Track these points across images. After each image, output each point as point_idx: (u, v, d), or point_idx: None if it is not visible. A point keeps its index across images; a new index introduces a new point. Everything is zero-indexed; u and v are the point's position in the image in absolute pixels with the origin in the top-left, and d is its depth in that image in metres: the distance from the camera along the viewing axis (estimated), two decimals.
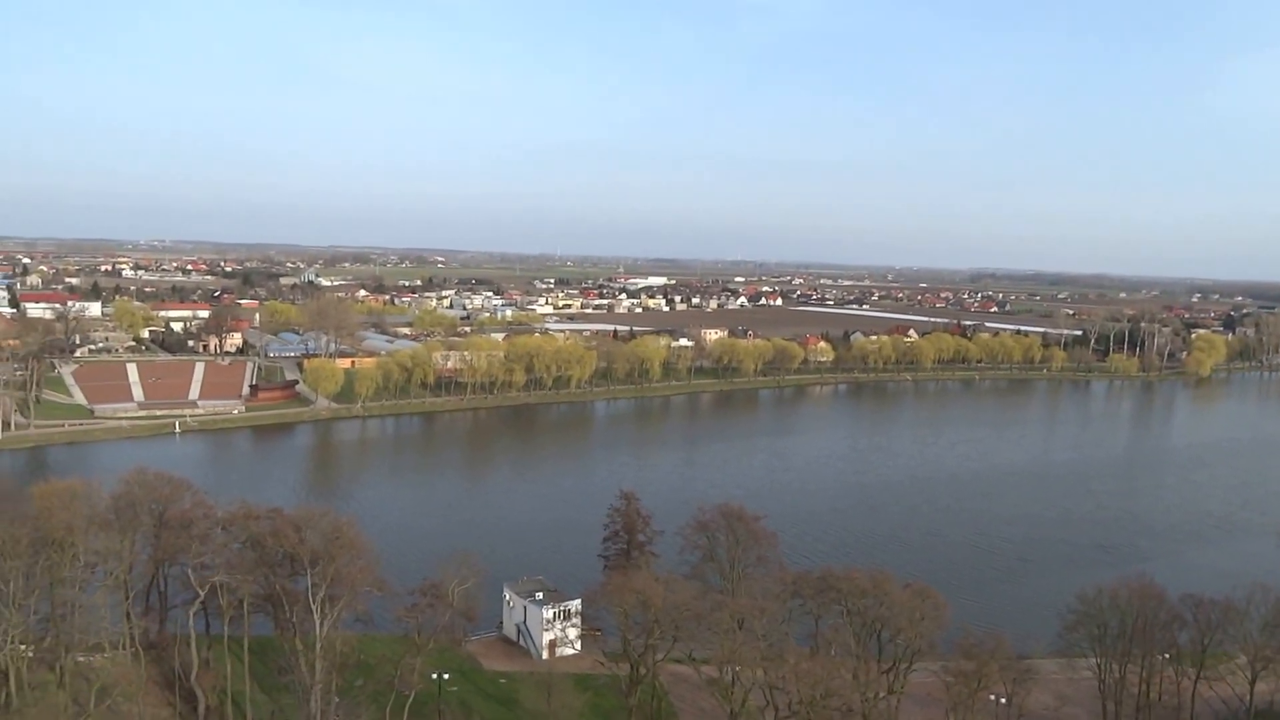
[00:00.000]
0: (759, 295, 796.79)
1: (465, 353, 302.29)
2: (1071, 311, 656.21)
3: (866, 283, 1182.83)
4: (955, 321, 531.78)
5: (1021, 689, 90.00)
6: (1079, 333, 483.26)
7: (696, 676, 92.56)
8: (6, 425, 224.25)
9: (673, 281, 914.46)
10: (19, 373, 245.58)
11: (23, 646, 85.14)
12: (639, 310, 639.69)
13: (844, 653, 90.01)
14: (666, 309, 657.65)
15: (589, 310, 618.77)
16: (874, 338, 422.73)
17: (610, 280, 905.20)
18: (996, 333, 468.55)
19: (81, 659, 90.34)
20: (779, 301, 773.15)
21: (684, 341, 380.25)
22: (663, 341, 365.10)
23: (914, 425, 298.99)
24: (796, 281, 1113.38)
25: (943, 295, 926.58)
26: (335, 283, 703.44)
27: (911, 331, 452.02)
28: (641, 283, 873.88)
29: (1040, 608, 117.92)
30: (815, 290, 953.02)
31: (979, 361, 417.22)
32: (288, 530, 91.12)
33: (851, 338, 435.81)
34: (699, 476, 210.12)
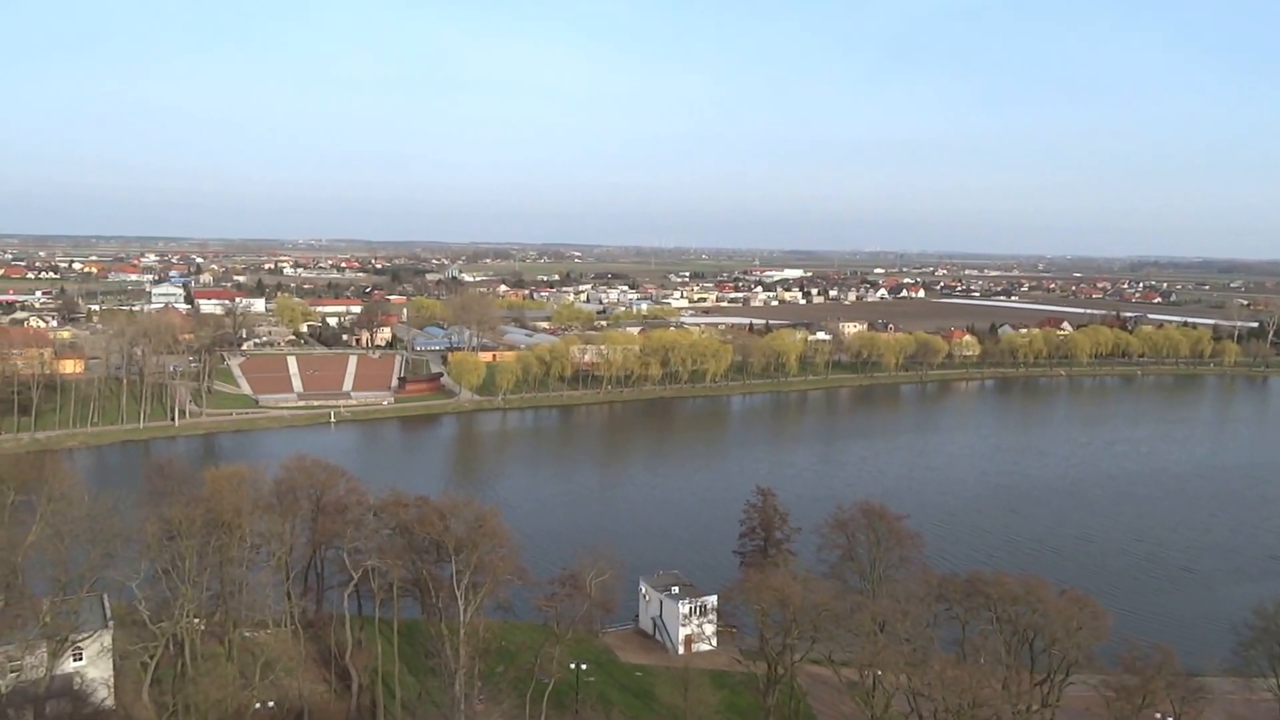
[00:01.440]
0: (900, 287, 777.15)
1: (602, 346, 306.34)
2: (1246, 302, 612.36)
3: (1015, 273, 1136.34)
4: (1114, 313, 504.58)
5: (1191, 709, 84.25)
6: (1255, 324, 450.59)
7: (836, 679, 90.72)
8: (182, 413, 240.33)
9: (809, 274, 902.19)
10: (193, 364, 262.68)
11: (196, 620, 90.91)
12: (775, 303, 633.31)
13: (993, 661, 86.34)
14: (803, 302, 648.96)
15: (724, 304, 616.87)
16: (1024, 331, 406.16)
17: (746, 273, 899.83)
18: (1160, 325, 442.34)
19: (248, 634, 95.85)
20: (921, 293, 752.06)
21: (821, 335, 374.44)
22: (799, 335, 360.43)
23: (1067, 423, 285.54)
24: (940, 272, 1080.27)
25: (1099, 285, 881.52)
26: (477, 278, 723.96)
27: (1065, 324, 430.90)
28: (777, 275, 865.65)
29: (1209, 622, 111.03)
30: (960, 281, 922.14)
31: (1141, 356, 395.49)
32: (434, 518, 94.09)
33: (999, 331, 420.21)
34: (836, 474, 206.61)
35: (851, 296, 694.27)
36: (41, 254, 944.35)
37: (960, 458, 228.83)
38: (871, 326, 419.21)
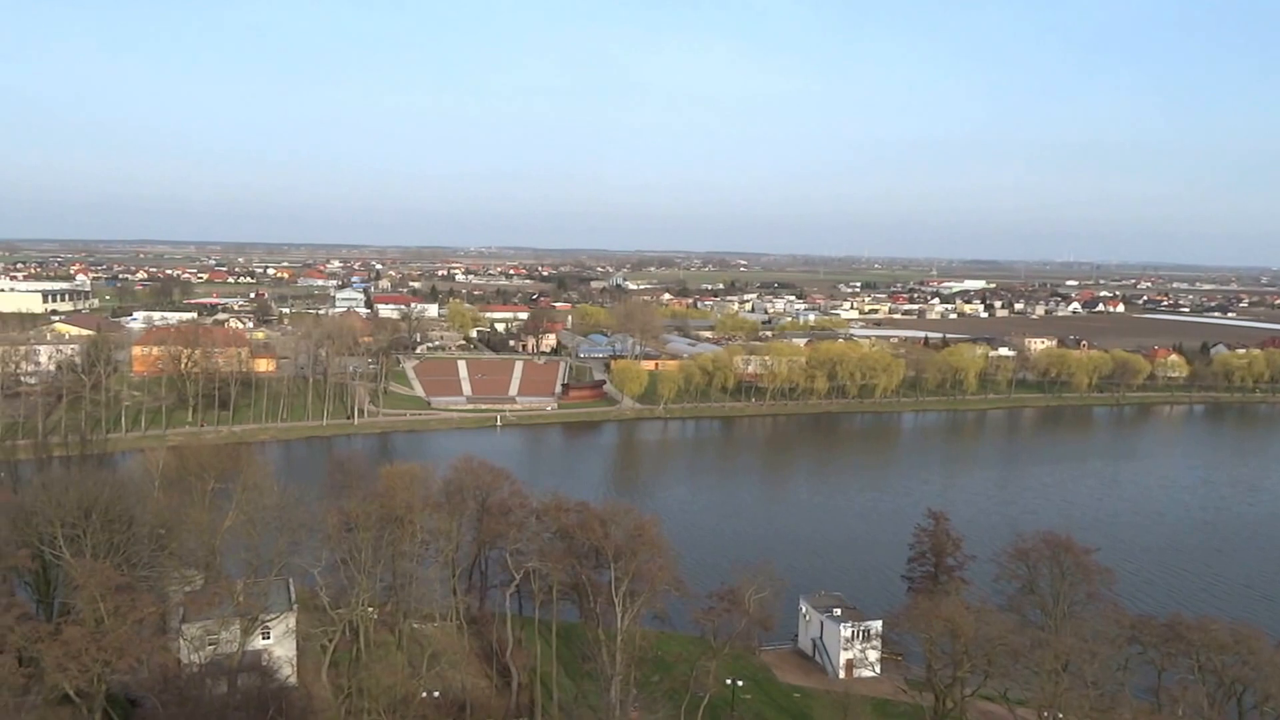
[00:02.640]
0: (1095, 300, 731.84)
1: (766, 357, 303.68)
2: None
3: (1233, 286, 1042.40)
4: None
5: None
6: None
7: (1011, 718, 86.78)
8: (361, 412, 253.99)
9: (992, 285, 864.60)
10: (372, 366, 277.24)
11: (370, 609, 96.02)
12: (953, 316, 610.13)
13: (1193, 714, 79.93)
14: (985, 315, 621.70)
15: (897, 315, 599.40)
16: (1241, 351, 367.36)
17: (921, 284, 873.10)
18: None
19: (416, 625, 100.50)
20: (1120, 308, 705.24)
21: (1004, 351, 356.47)
22: (980, 350, 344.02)
23: None
24: (1142, 285, 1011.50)
25: None
26: (641, 286, 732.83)
27: None
28: (956, 286, 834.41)
29: None
30: (1165, 295, 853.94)
31: None
32: (595, 524, 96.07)
33: (1212, 350, 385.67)
34: (1015, 500, 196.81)
35: (1040, 310, 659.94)
36: (240, 260, 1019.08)
37: (1158, 489, 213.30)
38: (1061, 343, 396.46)
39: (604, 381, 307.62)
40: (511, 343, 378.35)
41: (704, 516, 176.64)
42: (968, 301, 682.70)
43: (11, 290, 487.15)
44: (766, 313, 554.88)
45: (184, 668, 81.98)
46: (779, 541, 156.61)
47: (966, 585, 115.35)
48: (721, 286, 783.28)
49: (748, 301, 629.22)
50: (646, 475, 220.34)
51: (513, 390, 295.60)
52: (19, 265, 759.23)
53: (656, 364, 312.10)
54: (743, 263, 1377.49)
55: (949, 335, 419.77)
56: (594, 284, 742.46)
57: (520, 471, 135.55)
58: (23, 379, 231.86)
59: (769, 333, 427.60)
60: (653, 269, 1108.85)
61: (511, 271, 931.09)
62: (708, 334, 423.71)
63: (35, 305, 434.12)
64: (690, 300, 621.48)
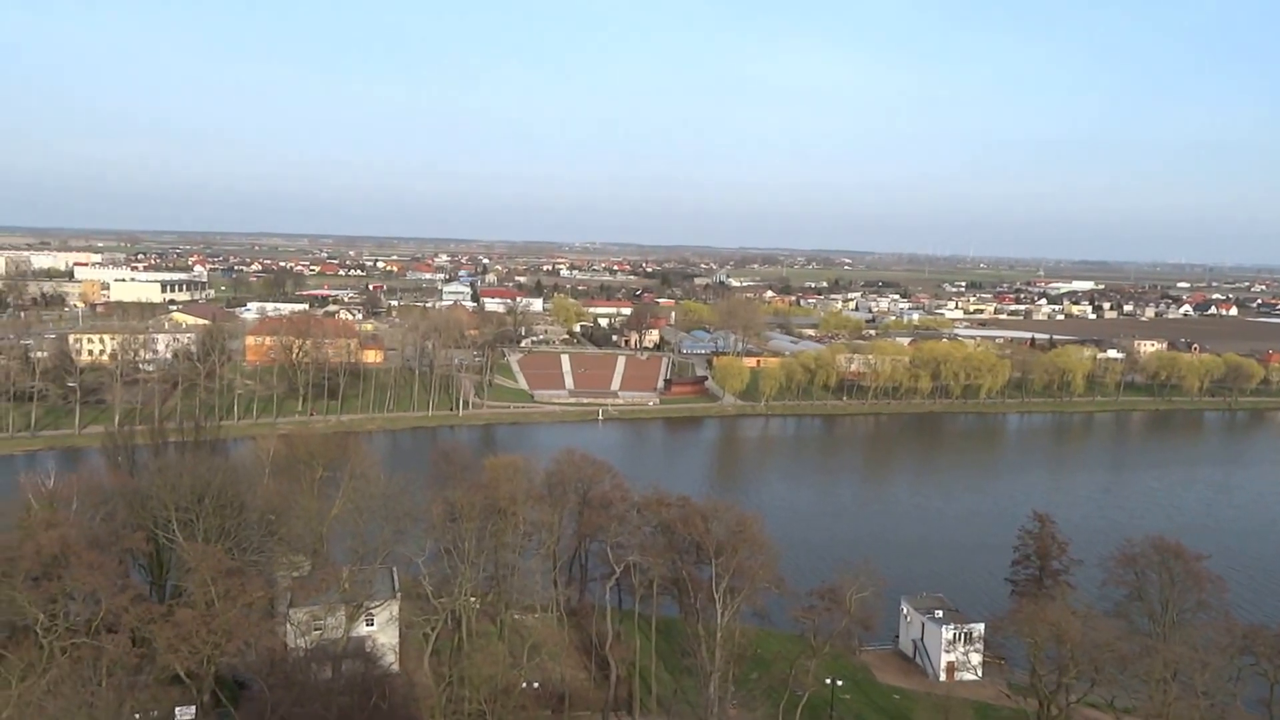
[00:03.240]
0: (1208, 303, 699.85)
1: (869, 356, 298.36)
2: None
3: None
4: None
5: None
6: None
7: None
8: (466, 404, 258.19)
9: (1101, 286, 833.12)
10: (477, 358, 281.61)
11: (473, 599, 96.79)
12: (1060, 317, 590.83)
13: None
14: (1093, 316, 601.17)
15: (1003, 316, 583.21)
16: None
17: (1028, 284, 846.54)
18: None
19: (517, 616, 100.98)
20: (1233, 311, 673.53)
21: (1113, 353, 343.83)
22: (1087, 352, 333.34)
23: None
24: (1256, 288, 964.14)
25: None
26: (744, 283, 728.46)
27: None
28: (1064, 287, 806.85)
29: None
30: None
31: None
32: (696, 519, 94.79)
33: None
34: (1121, 505, 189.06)
35: (1149, 312, 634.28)
36: (351, 253, 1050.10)
37: (1272, 497, 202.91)
38: (1172, 345, 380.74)
39: (706, 377, 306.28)
40: (614, 338, 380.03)
41: (804, 515, 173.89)
42: (1075, 303, 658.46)
43: (132, 280, 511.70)
44: (870, 311, 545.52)
45: (290, 652, 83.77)
46: (879, 542, 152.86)
47: (1072, 590, 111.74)
48: (825, 285, 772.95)
49: (851, 300, 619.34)
50: (747, 472, 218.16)
51: (615, 385, 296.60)
52: (140, 256, 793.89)
53: (758, 361, 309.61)
54: (847, 261, 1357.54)
55: (1056, 336, 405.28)
56: (697, 280, 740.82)
57: (621, 465, 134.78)
58: (141, 366, 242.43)
59: (872, 331, 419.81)
60: (756, 266, 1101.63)
61: (616, 267, 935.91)
62: (810, 332, 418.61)
63: (154, 295, 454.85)
64: (793, 298, 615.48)
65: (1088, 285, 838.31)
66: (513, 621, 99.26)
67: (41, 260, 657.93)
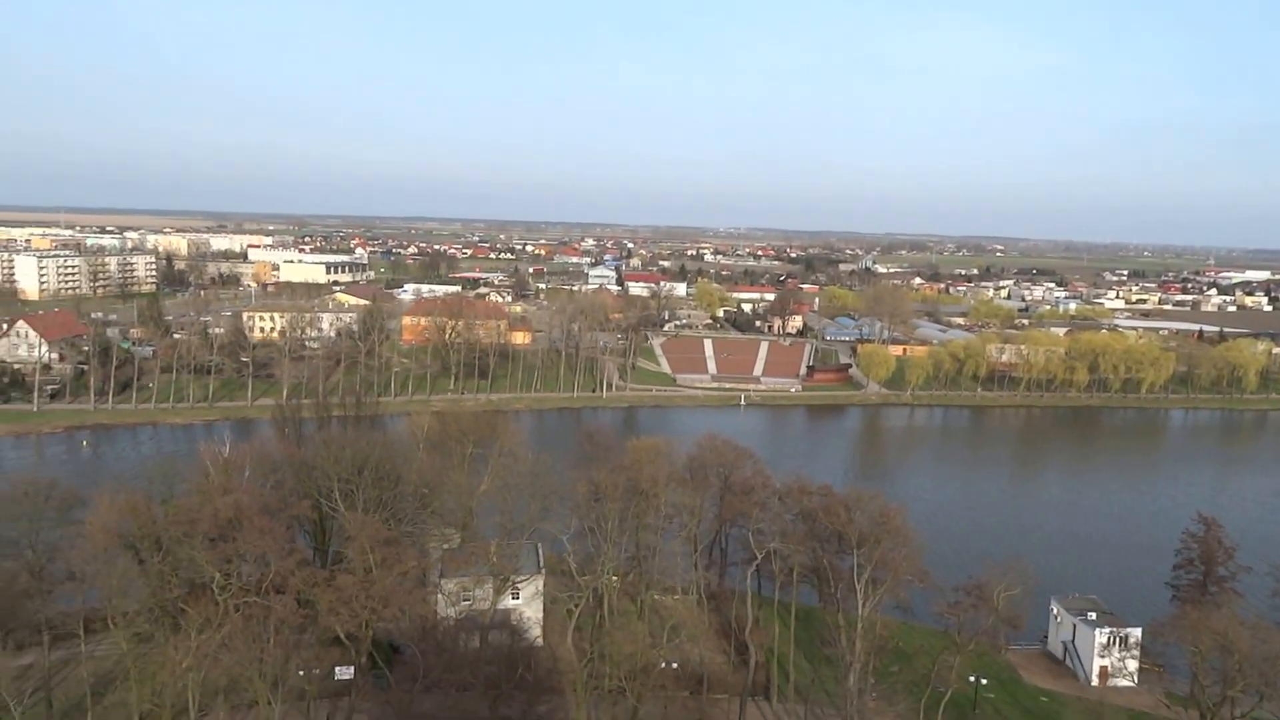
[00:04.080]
0: None
1: (1022, 346, 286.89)
2: None
3: None
4: None
5: None
6: None
7: None
8: (609, 386, 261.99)
9: (1278, 276, 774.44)
10: (621, 341, 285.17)
11: (614, 578, 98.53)
12: (1232, 309, 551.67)
13: None
14: (1269, 308, 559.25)
15: (1168, 307, 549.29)
16: None
17: (1196, 274, 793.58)
18: None
19: (657, 597, 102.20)
20: None
21: None
22: (1261, 346, 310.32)
23: None
24: None
25: None
26: (891, 270, 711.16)
27: None
28: (1237, 277, 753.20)
29: None
30: None
31: None
32: (838, 508, 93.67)
33: None
34: None
35: None
36: (501, 237, 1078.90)
37: None
38: None
39: (850, 365, 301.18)
40: (757, 323, 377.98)
41: (949, 508, 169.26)
42: (1249, 293, 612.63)
43: (300, 262, 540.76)
44: (1024, 300, 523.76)
45: (441, 620, 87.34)
46: (1029, 539, 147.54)
47: (1240, 598, 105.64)
48: (975, 272, 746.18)
49: (1003, 288, 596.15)
50: (890, 462, 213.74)
51: (757, 370, 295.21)
52: (307, 240, 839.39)
53: (905, 349, 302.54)
54: (999, 248, 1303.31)
55: (1226, 329, 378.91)
56: (842, 266, 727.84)
57: (762, 451, 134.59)
58: (307, 344, 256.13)
59: (1025, 321, 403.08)
60: (904, 252, 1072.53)
61: (760, 253, 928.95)
62: (960, 320, 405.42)
63: (319, 276, 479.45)
64: (942, 285, 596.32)
65: (1264, 275, 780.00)
66: (653, 601, 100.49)
67: (219, 243, 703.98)
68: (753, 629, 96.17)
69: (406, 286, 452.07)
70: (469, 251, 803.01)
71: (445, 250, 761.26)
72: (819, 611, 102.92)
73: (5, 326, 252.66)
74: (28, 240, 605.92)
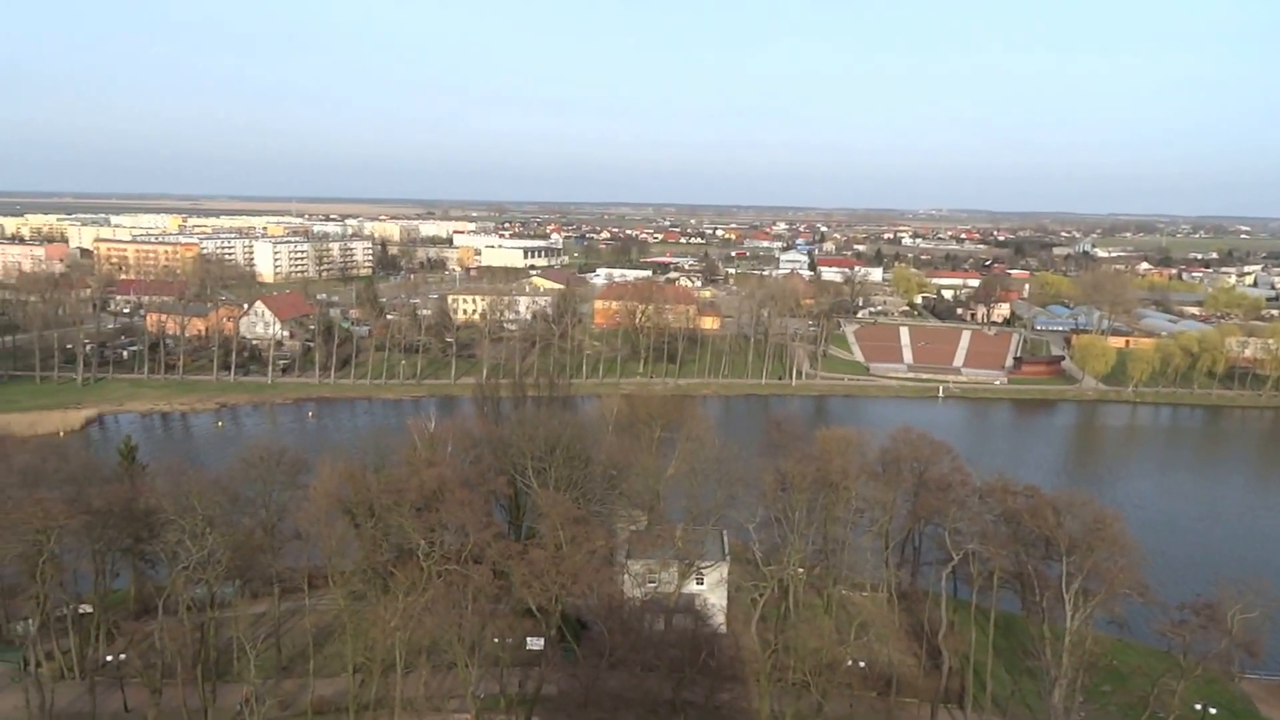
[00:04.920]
0: None
1: (1269, 340, 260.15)
2: None
3: None
4: None
5: None
6: None
7: None
8: (799, 374, 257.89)
9: None
10: (812, 328, 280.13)
11: (800, 570, 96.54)
12: None
13: None
14: None
15: None
16: None
17: None
18: None
19: (845, 592, 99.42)
20: None
21: None
22: None
23: None
24: None
25: None
26: (1113, 254, 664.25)
27: None
28: None
29: None
30: None
31: None
32: (1046, 511, 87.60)
33: None
34: None
35: None
36: (692, 221, 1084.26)
37: None
38: None
39: (1062, 357, 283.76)
40: (959, 311, 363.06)
41: (1174, 518, 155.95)
42: None
43: (500, 247, 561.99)
44: (1274, 288, 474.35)
45: (627, 600, 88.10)
46: (1271, 558, 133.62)
47: None
48: (1215, 256, 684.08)
49: (1248, 274, 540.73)
50: (1106, 464, 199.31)
51: (958, 361, 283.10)
52: (506, 225, 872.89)
53: (1127, 341, 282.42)
54: (1244, 229, 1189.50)
55: None
56: (1056, 250, 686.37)
57: (962, 447, 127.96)
58: (505, 326, 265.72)
59: (1275, 312, 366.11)
60: (1128, 235, 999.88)
61: (963, 235, 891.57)
62: (1194, 310, 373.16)
63: (517, 261, 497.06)
64: (1174, 271, 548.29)
65: None
66: (840, 597, 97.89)
67: (428, 229, 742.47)
68: (947, 633, 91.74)
69: (599, 271, 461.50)
70: (660, 236, 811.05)
71: (637, 235, 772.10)
72: (1021, 620, 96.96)
73: (246, 307, 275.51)
74: (265, 228, 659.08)
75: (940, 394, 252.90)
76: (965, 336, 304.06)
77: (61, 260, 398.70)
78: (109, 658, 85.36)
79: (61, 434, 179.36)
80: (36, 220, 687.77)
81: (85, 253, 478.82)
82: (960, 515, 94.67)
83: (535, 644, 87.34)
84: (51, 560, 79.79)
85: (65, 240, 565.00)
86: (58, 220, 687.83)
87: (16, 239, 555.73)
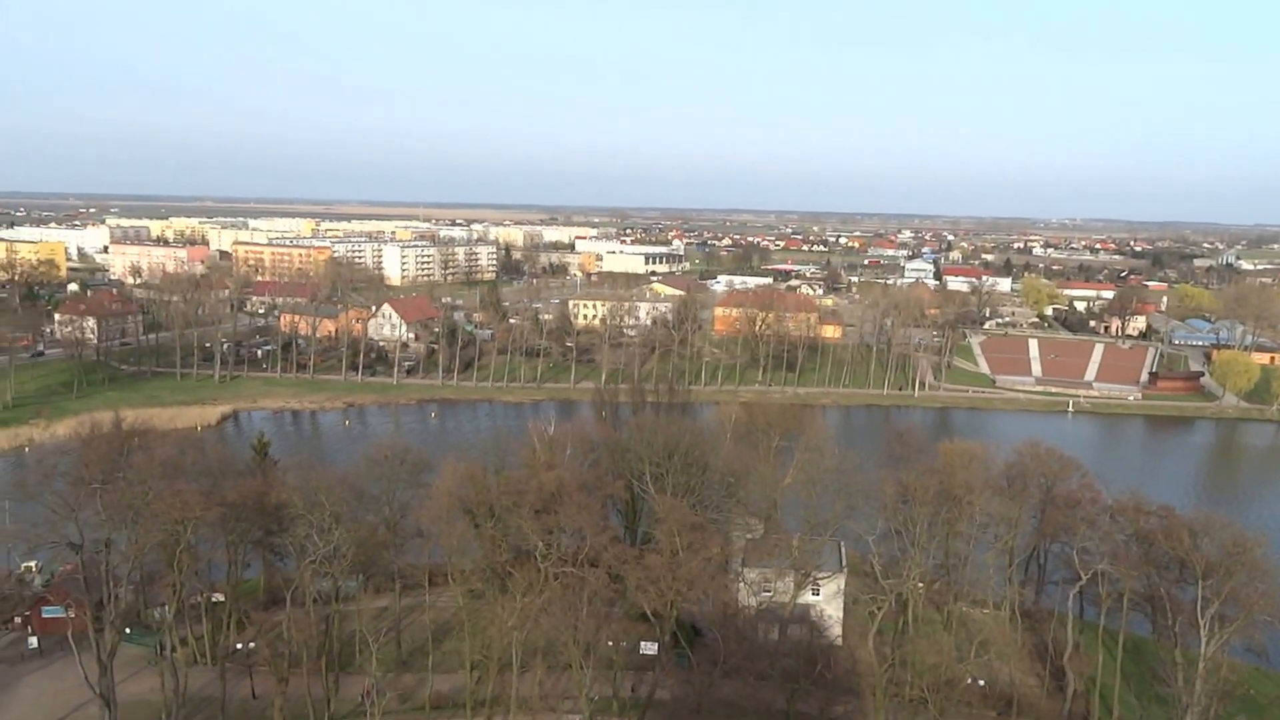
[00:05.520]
0: None
1: None
2: None
3: None
4: None
5: None
6: None
7: None
8: (922, 385, 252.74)
9: None
10: (936, 339, 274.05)
11: (920, 584, 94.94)
12: None
13: None
14: None
15: None
16: None
17: None
18: None
19: (965, 609, 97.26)
20: None
21: None
22: None
23: None
24: None
25: None
26: (1259, 266, 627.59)
27: None
28: None
29: None
30: None
31: None
32: (1180, 533, 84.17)
33: None
34: None
35: None
36: (815, 229, 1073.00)
37: None
38: None
39: (1201, 373, 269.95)
40: (1092, 323, 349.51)
41: None
42: None
43: (621, 253, 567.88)
44: None
45: (742, 608, 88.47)
46: None
47: None
48: None
49: None
50: (1248, 486, 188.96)
51: (1089, 375, 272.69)
52: (628, 231, 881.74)
53: (1272, 358, 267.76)
54: None
55: None
56: (1197, 262, 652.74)
57: (1092, 463, 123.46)
58: (625, 331, 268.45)
59: None
60: (1276, 246, 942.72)
61: (1098, 246, 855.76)
62: None
63: (638, 267, 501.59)
64: None
65: None
66: (961, 613, 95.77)
67: (550, 234, 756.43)
68: (1072, 655, 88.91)
69: (719, 278, 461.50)
70: (781, 244, 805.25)
71: (758, 242, 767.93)
72: (1151, 644, 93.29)
73: (374, 309, 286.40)
74: (393, 232, 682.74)
75: (1070, 408, 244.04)
76: (1098, 350, 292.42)
77: (202, 262, 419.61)
78: (239, 645, 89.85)
79: (199, 429, 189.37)
80: (180, 223, 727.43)
81: (224, 255, 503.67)
82: (1090, 534, 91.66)
83: (649, 648, 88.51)
84: (188, 550, 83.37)
85: (206, 243, 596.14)
86: (199, 223, 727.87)
87: (161, 241, 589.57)
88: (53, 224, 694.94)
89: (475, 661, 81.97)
